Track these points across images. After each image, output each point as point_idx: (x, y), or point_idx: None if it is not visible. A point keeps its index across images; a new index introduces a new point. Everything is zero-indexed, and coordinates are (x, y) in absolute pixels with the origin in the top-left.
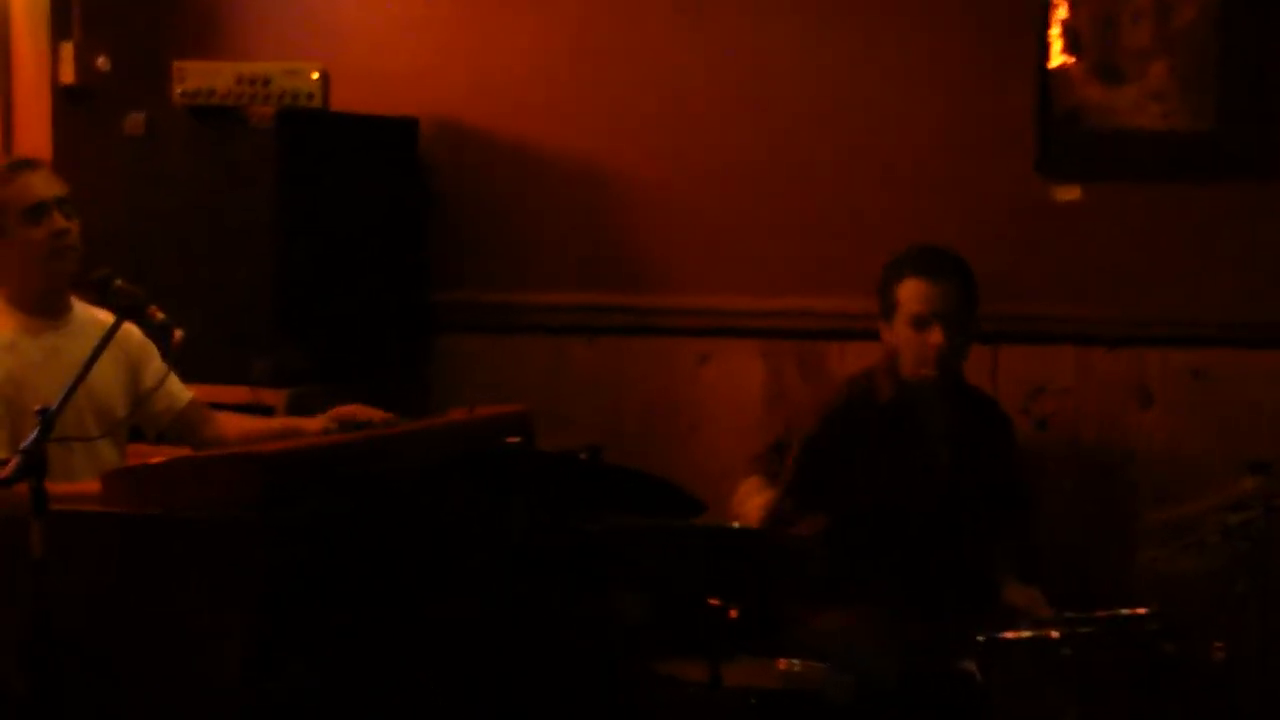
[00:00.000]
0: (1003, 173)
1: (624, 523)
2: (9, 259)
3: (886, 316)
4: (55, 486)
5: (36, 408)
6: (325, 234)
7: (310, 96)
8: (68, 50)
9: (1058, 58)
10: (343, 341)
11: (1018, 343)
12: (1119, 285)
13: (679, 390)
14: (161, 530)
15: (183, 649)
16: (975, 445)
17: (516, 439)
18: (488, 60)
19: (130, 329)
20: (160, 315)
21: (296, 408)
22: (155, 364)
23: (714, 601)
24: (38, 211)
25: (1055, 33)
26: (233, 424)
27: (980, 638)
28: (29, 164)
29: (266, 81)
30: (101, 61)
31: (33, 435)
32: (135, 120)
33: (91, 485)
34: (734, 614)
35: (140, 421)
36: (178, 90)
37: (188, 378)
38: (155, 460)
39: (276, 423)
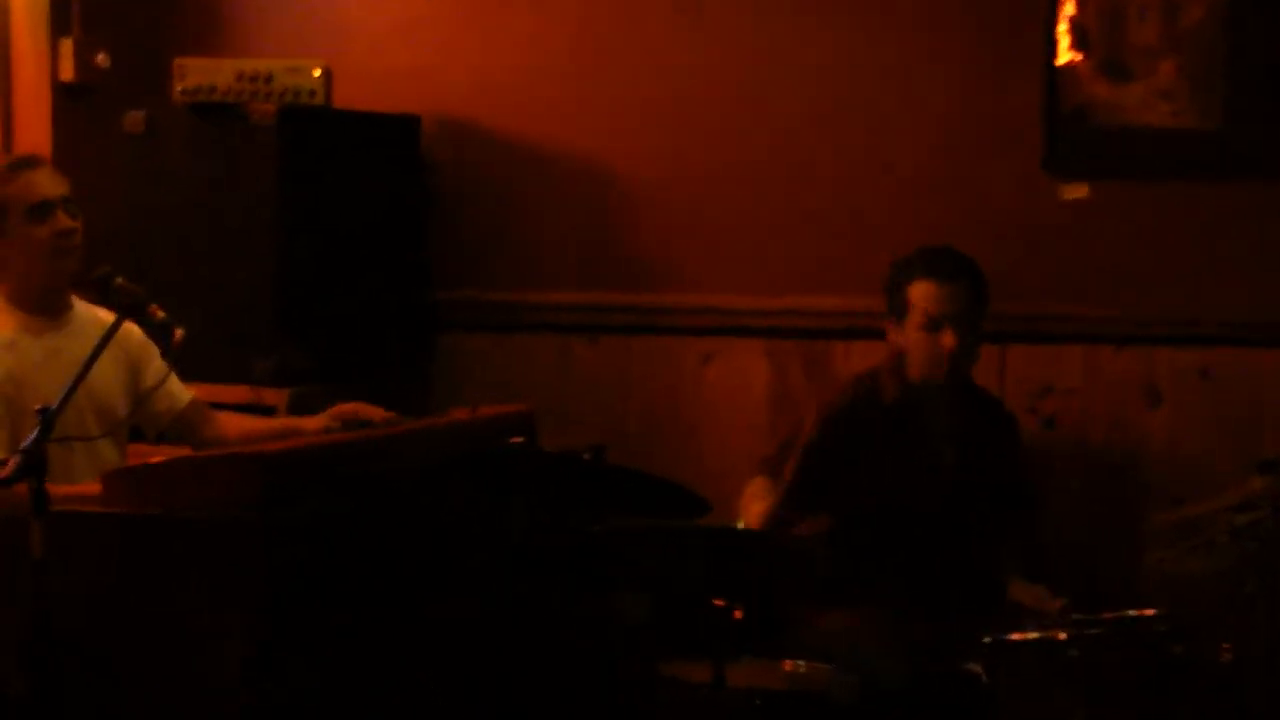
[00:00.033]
0: (1009, 171)
1: (627, 523)
2: (10, 257)
3: (896, 317)
4: (56, 488)
5: (37, 407)
6: (326, 232)
7: (312, 94)
8: (67, 47)
9: (1065, 55)
10: (344, 340)
11: (1025, 342)
12: (1127, 284)
13: (683, 390)
14: (162, 530)
15: (183, 649)
16: (981, 445)
17: (519, 439)
18: (490, 58)
19: (131, 328)
20: (161, 314)
21: (298, 407)
22: (156, 363)
23: (718, 602)
24: (42, 210)
25: (1062, 29)
26: (233, 424)
27: (987, 639)
28: (33, 162)
29: (268, 79)
30: (101, 58)
31: (33, 435)
32: (135, 118)
33: (92, 487)
34: (738, 615)
35: (141, 421)
36: (178, 87)
37: (188, 377)
38: (155, 460)
39: (277, 422)
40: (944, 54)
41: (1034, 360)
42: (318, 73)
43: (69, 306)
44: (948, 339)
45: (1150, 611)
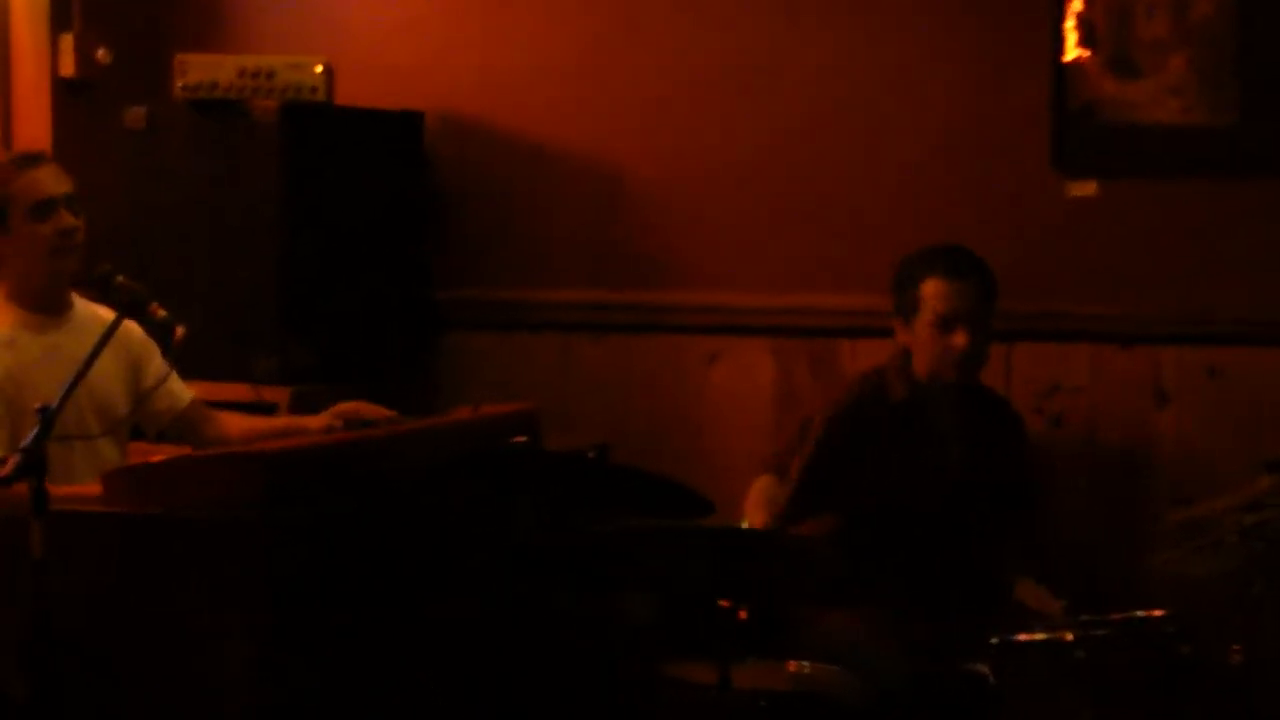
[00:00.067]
0: (1016, 168)
1: (632, 523)
2: (12, 254)
3: (906, 316)
4: (56, 489)
5: (37, 406)
6: (329, 229)
7: (314, 90)
8: (68, 42)
9: (1072, 51)
10: (346, 339)
11: (1032, 341)
12: (1134, 283)
13: (688, 389)
14: (163, 530)
15: (184, 650)
16: (987, 445)
17: (522, 438)
18: (494, 53)
19: (131, 326)
20: (162, 312)
21: (299, 406)
22: (156, 362)
23: (723, 603)
24: (45, 208)
25: (1070, 25)
26: (235, 423)
27: (994, 640)
28: (37, 159)
29: (270, 75)
30: (102, 54)
31: (33, 433)
32: (136, 114)
33: (92, 488)
34: (743, 615)
35: (141, 420)
36: (179, 83)
37: (189, 375)
38: (156, 459)
39: (279, 421)
40: (950, 51)
41: (1041, 359)
42: (320, 69)
43: (69, 304)
44: (960, 338)
45: (1158, 612)
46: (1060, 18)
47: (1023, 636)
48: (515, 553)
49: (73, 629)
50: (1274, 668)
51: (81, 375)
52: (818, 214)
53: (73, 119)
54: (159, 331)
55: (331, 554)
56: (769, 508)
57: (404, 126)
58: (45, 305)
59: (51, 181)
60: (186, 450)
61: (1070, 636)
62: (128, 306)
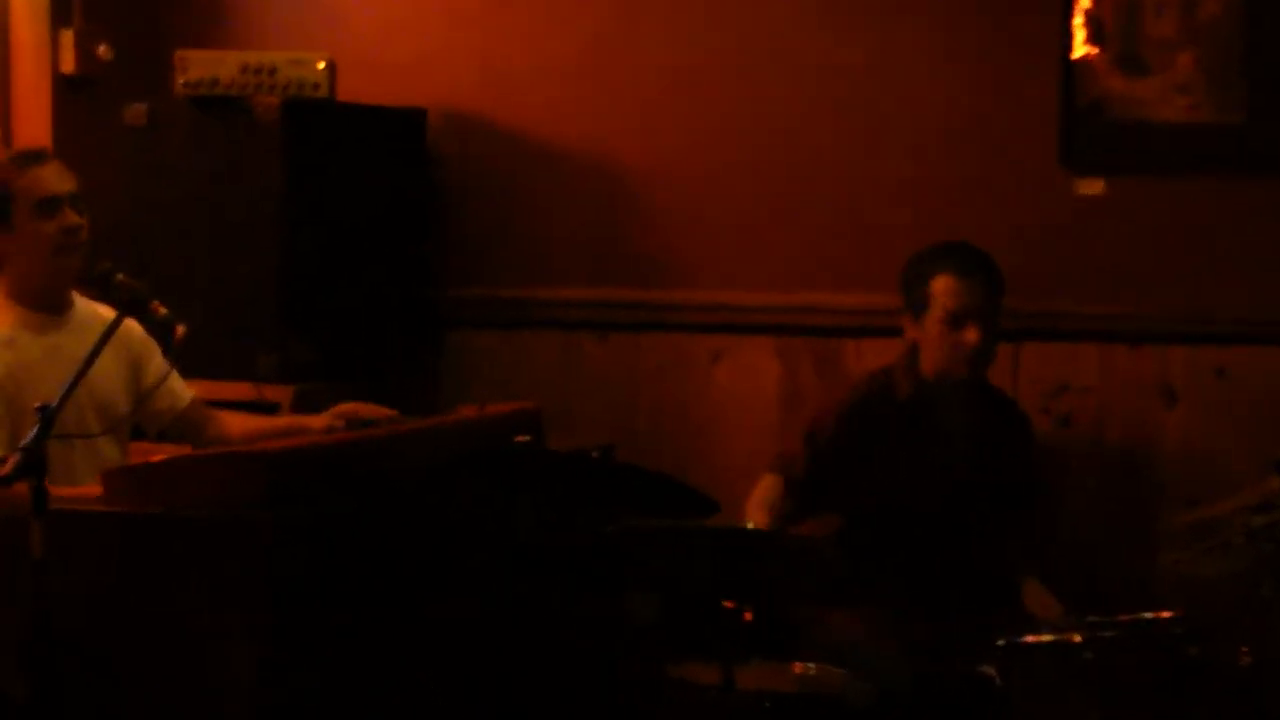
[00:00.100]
0: (1024, 166)
1: (636, 523)
2: (14, 252)
3: (915, 313)
4: (57, 490)
5: (37, 405)
6: (331, 227)
7: (316, 87)
8: (68, 38)
9: (1080, 48)
10: (348, 337)
11: (1040, 340)
12: (1143, 282)
13: (692, 388)
14: (163, 530)
15: (185, 650)
16: (993, 445)
17: (526, 437)
18: (497, 50)
19: (132, 325)
20: (162, 311)
21: (301, 405)
22: (157, 360)
23: (728, 604)
24: (49, 206)
25: (1078, 22)
26: (236, 423)
27: (1001, 641)
28: (41, 156)
29: (271, 71)
30: (103, 50)
31: (33, 432)
32: (137, 111)
33: (92, 490)
34: (748, 616)
35: (141, 420)
36: (180, 80)
37: (191, 374)
38: (157, 458)
39: (281, 421)
40: (957, 48)
41: (1049, 359)
42: (322, 65)
43: (70, 303)
44: (971, 334)
45: (1166, 614)
46: (1069, 15)
47: (1030, 638)
48: (518, 553)
49: (73, 629)
50: None
51: (82, 374)
52: (822, 212)
53: (73, 116)
54: (160, 330)
55: (333, 554)
56: (772, 508)
57: (406, 124)
58: (46, 304)
59: (56, 179)
60: (187, 450)
61: (1078, 638)
62: (128, 305)
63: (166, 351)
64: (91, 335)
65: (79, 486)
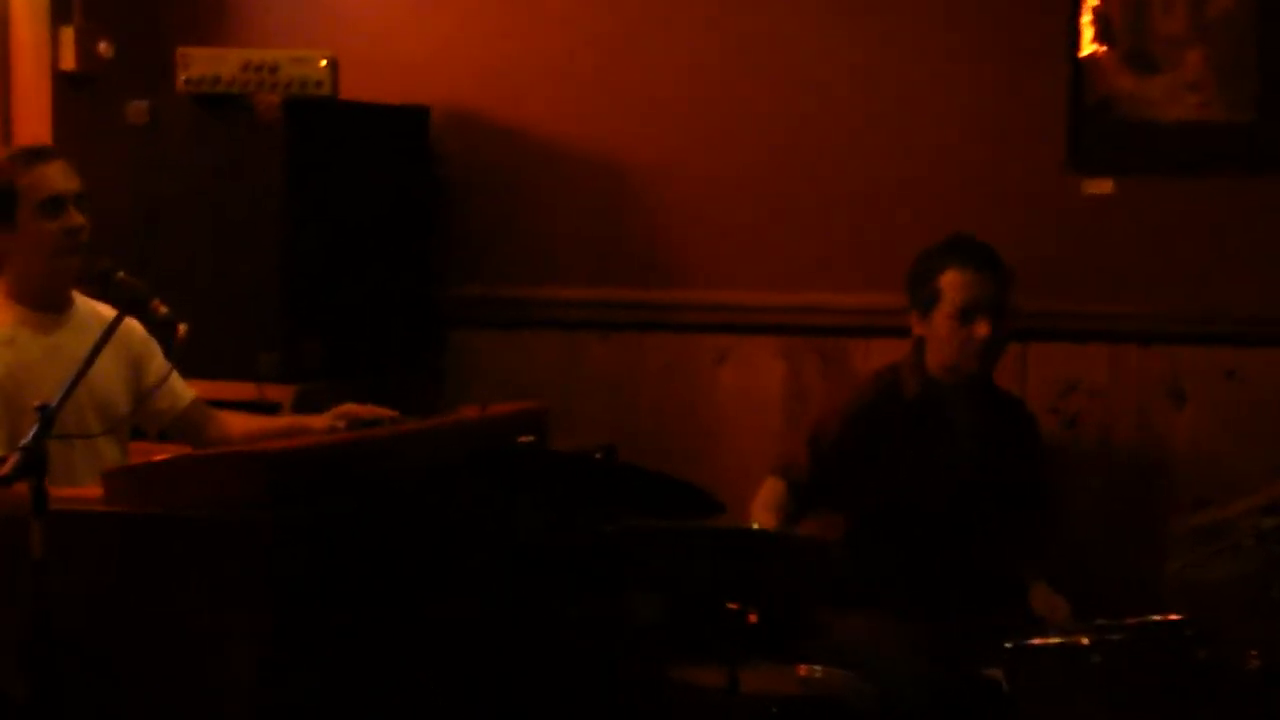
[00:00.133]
0: (1032, 165)
1: (639, 524)
2: (15, 250)
3: (923, 309)
4: (57, 490)
5: (36, 404)
6: (333, 226)
7: (318, 84)
8: (68, 35)
9: (1088, 46)
10: (351, 335)
11: (1049, 340)
12: (1152, 282)
13: (696, 388)
14: (164, 530)
15: (185, 650)
16: (1000, 444)
17: (529, 437)
18: (500, 47)
19: (132, 324)
20: (163, 310)
21: (303, 404)
22: (158, 360)
23: (732, 605)
24: (54, 205)
25: (1086, 20)
26: (237, 423)
27: (1008, 644)
28: (47, 154)
29: (273, 69)
30: (103, 47)
31: (33, 432)
32: (138, 108)
33: (93, 491)
34: (752, 618)
35: (142, 420)
36: (182, 78)
37: (192, 373)
38: (158, 458)
39: (282, 421)
40: (965, 47)
41: (1057, 359)
42: (324, 63)
43: (70, 302)
44: (981, 328)
45: (1175, 616)
46: (1077, 12)
47: (1037, 641)
48: (521, 553)
49: (73, 629)
50: None
51: (82, 374)
52: (828, 211)
53: (74, 113)
54: (160, 329)
55: (334, 554)
56: (778, 510)
57: (409, 122)
58: (46, 303)
59: (61, 178)
60: (188, 450)
61: (1085, 641)
62: (128, 304)
63: (167, 351)
64: (92, 335)
65: (79, 486)
